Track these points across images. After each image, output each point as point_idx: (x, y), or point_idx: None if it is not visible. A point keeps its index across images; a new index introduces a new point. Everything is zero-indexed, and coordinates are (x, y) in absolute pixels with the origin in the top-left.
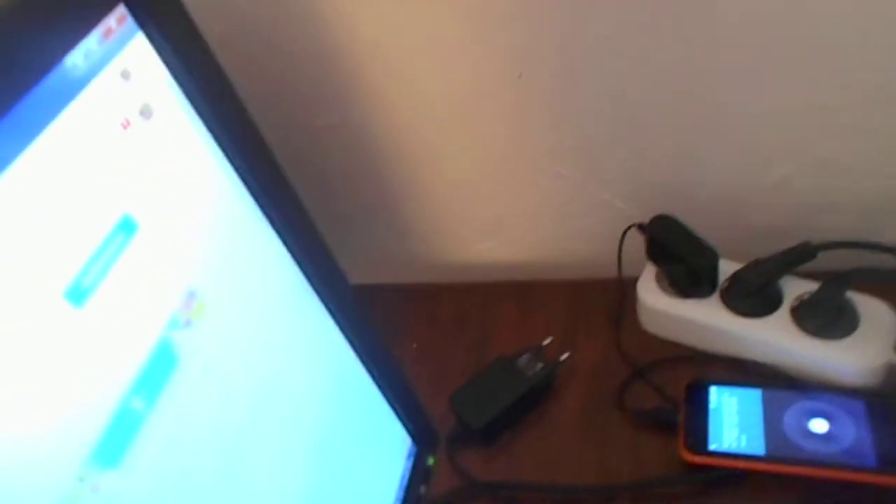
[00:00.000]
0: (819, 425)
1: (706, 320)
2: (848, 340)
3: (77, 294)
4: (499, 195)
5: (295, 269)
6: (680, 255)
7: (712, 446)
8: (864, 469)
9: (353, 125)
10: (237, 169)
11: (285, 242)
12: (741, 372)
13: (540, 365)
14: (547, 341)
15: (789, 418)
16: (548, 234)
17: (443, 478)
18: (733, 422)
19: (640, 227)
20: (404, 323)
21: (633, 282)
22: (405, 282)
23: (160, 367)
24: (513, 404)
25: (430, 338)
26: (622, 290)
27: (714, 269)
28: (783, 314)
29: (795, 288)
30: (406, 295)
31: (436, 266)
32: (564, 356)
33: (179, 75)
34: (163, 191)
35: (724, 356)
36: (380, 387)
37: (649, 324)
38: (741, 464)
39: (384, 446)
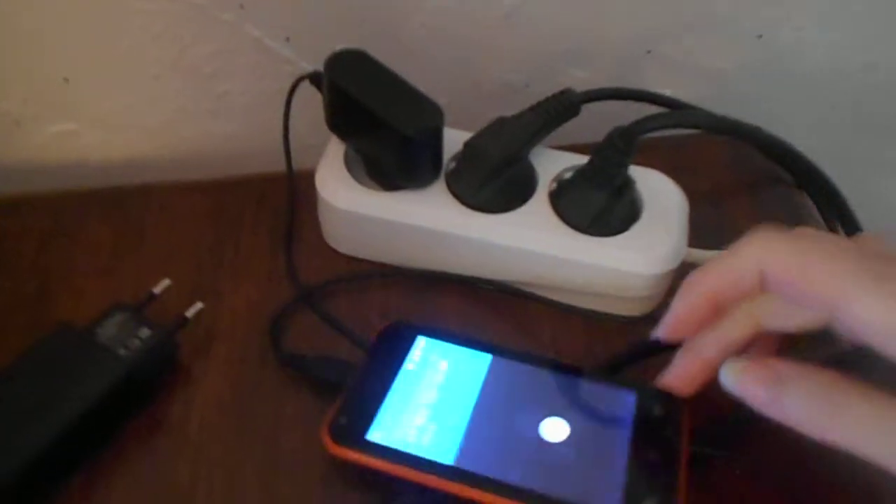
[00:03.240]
0: (556, 428)
1: (425, 222)
2: (630, 234)
3: None
4: (69, 39)
5: None
6: (380, 116)
7: (374, 435)
8: None
9: None
10: None
11: None
12: (472, 304)
13: (145, 332)
14: (161, 286)
15: (516, 410)
16: (163, 107)
17: None
18: (429, 399)
19: (314, 77)
20: None
21: (312, 176)
22: None
23: None
24: (84, 417)
25: None
26: (293, 191)
27: (437, 137)
28: (539, 203)
29: (553, 163)
30: None
31: None
32: (194, 309)
33: None
34: None
35: (452, 276)
36: None
37: (338, 237)
38: (409, 473)
39: None
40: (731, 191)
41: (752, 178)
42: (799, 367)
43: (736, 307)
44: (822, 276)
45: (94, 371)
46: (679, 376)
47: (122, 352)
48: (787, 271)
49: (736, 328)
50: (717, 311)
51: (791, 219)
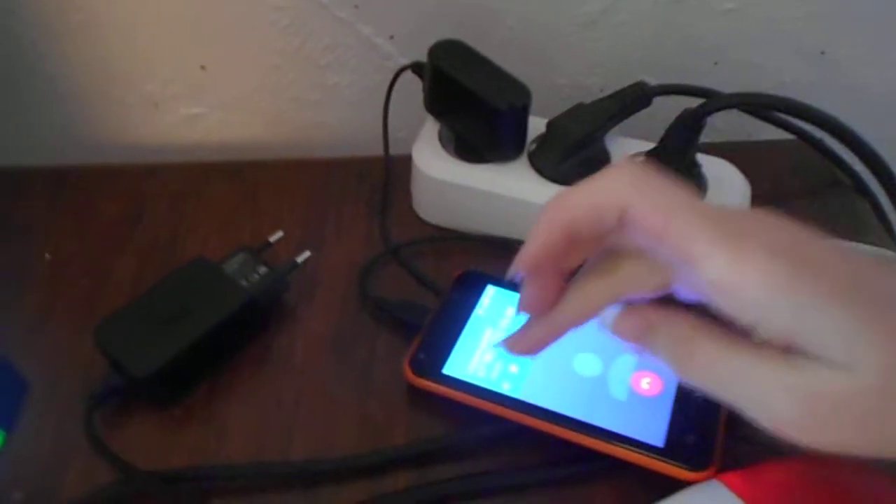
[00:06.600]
0: (608, 367)
1: (508, 191)
2: None
3: None
4: (210, 30)
5: None
6: (476, 93)
7: (449, 369)
8: (646, 450)
9: None
10: None
11: None
12: None
13: (263, 269)
14: (275, 237)
15: (576, 351)
16: (280, 95)
17: (85, 465)
18: (497, 340)
19: (416, 67)
20: (47, 222)
21: (406, 160)
22: (59, 164)
23: None
24: (212, 332)
25: (90, 241)
26: (389, 167)
27: (524, 112)
28: None
29: (625, 147)
30: (58, 182)
31: (112, 146)
32: (303, 256)
33: None
34: None
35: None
36: None
37: (427, 207)
38: (478, 403)
39: None
40: (794, 194)
41: (813, 182)
42: (666, 312)
43: (589, 282)
44: (683, 228)
45: (221, 295)
46: (531, 343)
47: (244, 283)
48: (652, 216)
49: (592, 305)
50: (572, 246)
51: (851, 221)
